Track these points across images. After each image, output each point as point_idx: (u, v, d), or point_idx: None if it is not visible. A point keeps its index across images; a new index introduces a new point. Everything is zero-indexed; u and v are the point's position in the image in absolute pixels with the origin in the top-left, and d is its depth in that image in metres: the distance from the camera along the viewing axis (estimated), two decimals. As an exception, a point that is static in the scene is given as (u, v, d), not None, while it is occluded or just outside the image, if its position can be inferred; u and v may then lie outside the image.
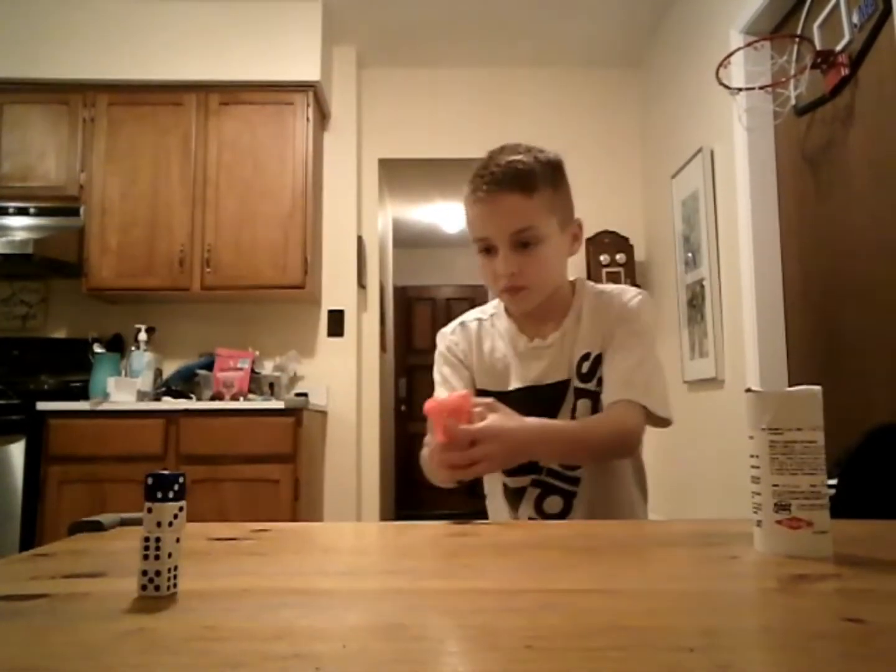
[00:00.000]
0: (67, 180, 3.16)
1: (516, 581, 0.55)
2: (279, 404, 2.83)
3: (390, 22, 3.44)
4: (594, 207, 3.68)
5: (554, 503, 1.12)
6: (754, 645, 0.41)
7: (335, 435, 3.43)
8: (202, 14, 3.27)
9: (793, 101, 2.22)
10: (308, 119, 3.27)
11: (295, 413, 2.82)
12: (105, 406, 2.79)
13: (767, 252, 2.44)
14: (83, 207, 3.15)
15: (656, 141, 3.57)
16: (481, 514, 1.16)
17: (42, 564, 0.62)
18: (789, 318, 2.41)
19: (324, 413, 3.40)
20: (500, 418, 0.93)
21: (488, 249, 1.07)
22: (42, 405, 2.74)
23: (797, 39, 2.19)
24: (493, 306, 1.23)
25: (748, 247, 2.47)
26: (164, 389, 3.02)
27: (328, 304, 3.50)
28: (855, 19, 1.97)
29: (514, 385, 1.15)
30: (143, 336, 3.17)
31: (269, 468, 2.75)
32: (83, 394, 3.02)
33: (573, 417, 1.11)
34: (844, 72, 2.01)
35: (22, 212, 3.09)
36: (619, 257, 3.55)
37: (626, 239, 3.62)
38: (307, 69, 3.28)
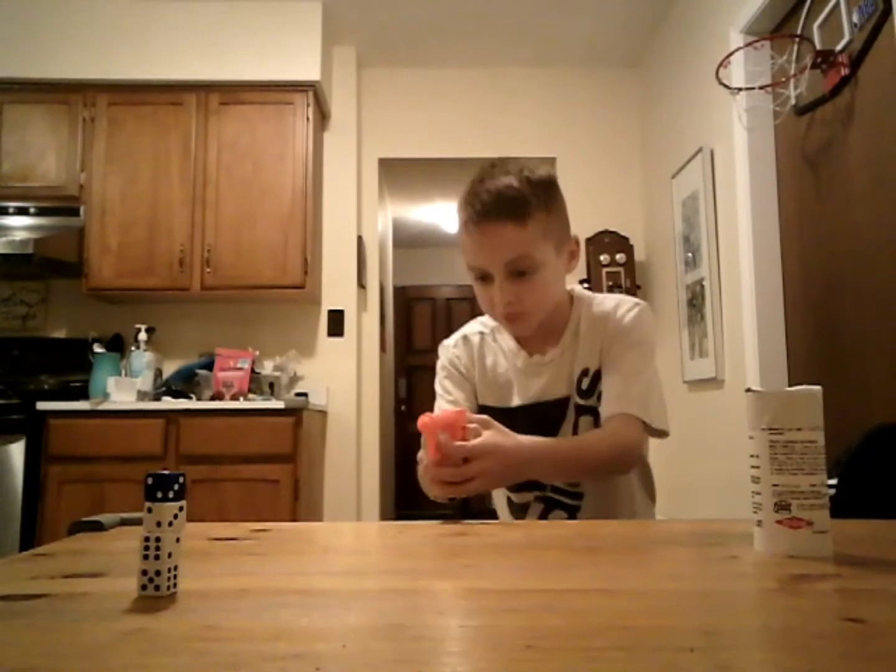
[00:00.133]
0: (67, 180, 3.16)
1: (516, 581, 0.55)
2: (279, 404, 2.83)
3: (390, 22, 3.44)
4: (594, 207, 3.69)
5: (558, 518, 1.12)
6: (754, 645, 0.41)
7: (335, 435, 3.43)
8: (202, 14, 3.27)
9: (793, 101, 2.22)
10: (308, 119, 3.27)
11: (295, 413, 2.82)
12: (105, 406, 2.79)
13: (767, 252, 2.44)
14: (83, 207, 3.15)
15: (656, 141, 3.57)
16: (481, 514, 1.16)
17: (42, 564, 0.62)
18: (789, 318, 2.40)
19: (324, 413, 3.40)
20: (495, 435, 0.93)
21: (484, 277, 1.06)
22: (42, 405, 2.74)
23: (797, 39, 2.19)
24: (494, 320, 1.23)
25: (748, 247, 2.47)
26: (164, 389, 3.02)
27: (328, 304, 3.50)
28: (855, 19, 1.97)
29: (515, 402, 1.14)
30: (143, 336, 3.17)
31: (269, 468, 2.75)
32: (83, 394, 3.02)
33: (575, 434, 1.10)
34: (844, 72, 2.01)
35: (22, 212, 3.09)
36: (619, 257, 3.55)
37: (626, 239, 3.62)
38: (307, 69, 3.28)
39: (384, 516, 3.84)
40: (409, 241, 6.30)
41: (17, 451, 2.70)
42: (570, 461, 1.00)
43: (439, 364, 1.22)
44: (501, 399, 1.15)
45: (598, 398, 1.10)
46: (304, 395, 3.17)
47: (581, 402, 1.11)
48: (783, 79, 2.24)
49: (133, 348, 3.18)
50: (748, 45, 2.34)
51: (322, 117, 3.54)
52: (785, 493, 0.62)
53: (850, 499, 1.00)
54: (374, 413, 3.58)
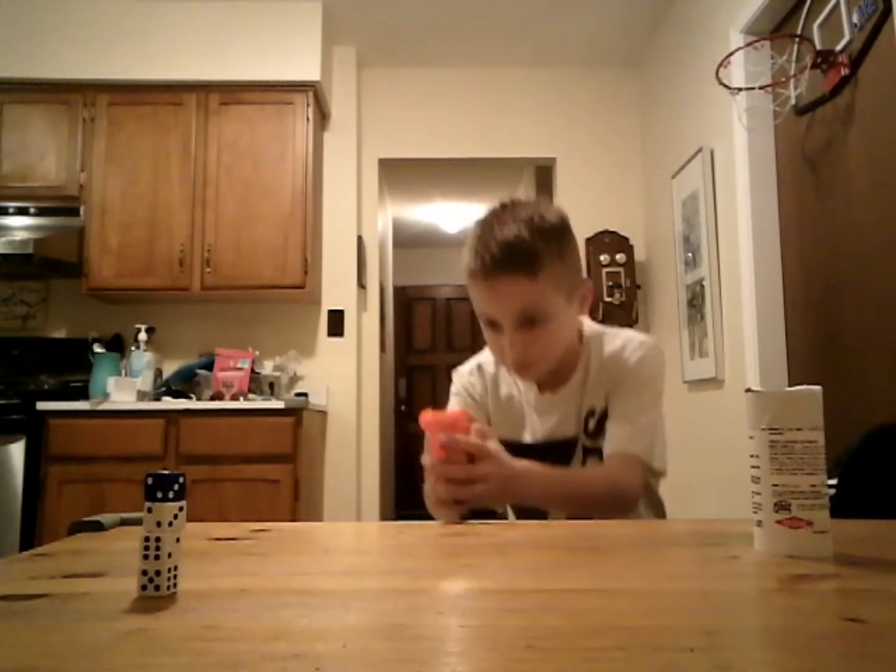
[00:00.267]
0: (67, 180, 3.16)
1: (516, 581, 0.55)
2: (279, 404, 2.83)
3: (390, 22, 3.44)
4: (594, 207, 3.69)
5: None
6: (754, 645, 0.41)
7: (335, 435, 3.43)
8: (202, 14, 3.27)
9: (793, 101, 2.22)
10: (308, 119, 3.27)
11: (295, 413, 2.82)
12: (105, 406, 2.79)
13: (767, 252, 2.44)
14: (83, 207, 3.15)
15: (656, 141, 3.57)
16: (481, 514, 1.16)
17: (42, 564, 0.62)
18: (789, 318, 2.40)
19: (324, 413, 3.40)
20: (496, 444, 0.93)
21: (493, 324, 1.04)
22: (42, 405, 2.74)
23: (797, 39, 2.19)
24: None
25: (748, 247, 2.47)
26: (164, 389, 3.02)
27: (328, 304, 3.50)
28: (855, 19, 1.97)
29: (526, 439, 1.14)
30: (143, 336, 3.17)
31: (269, 468, 2.75)
32: (83, 394, 3.02)
33: None
34: (844, 72, 2.01)
35: (22, 212, 3.09)
36: (619, 257, 3.55)
37: (626, 239, 3.62)
38: (307, 69, 3.28)
39: (384, 516, 3.85)
40: (409, 241, 6.31)
41: (17, 451, 2.70)
42: (560, 487, 0.98)
43: (453, 390, 1.22)
44: (513, 433, 1.15)
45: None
46: (304, 395, 3.17)
47: (588, 443, 1.10)
48: (783, 79, 2.24)
49: (133, 348, 3.18)
50: (748, 45, 2.34)
51: (322, 117, 3.54)
52: (785, 493, 0.62)
53: (850, 499, 1.00)
54: (374, 413, 3.58)
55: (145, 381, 3.04)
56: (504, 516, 1.22)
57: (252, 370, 3.10)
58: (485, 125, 3.77)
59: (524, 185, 4.96)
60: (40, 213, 3.10)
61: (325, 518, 3.30)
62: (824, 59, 2.08)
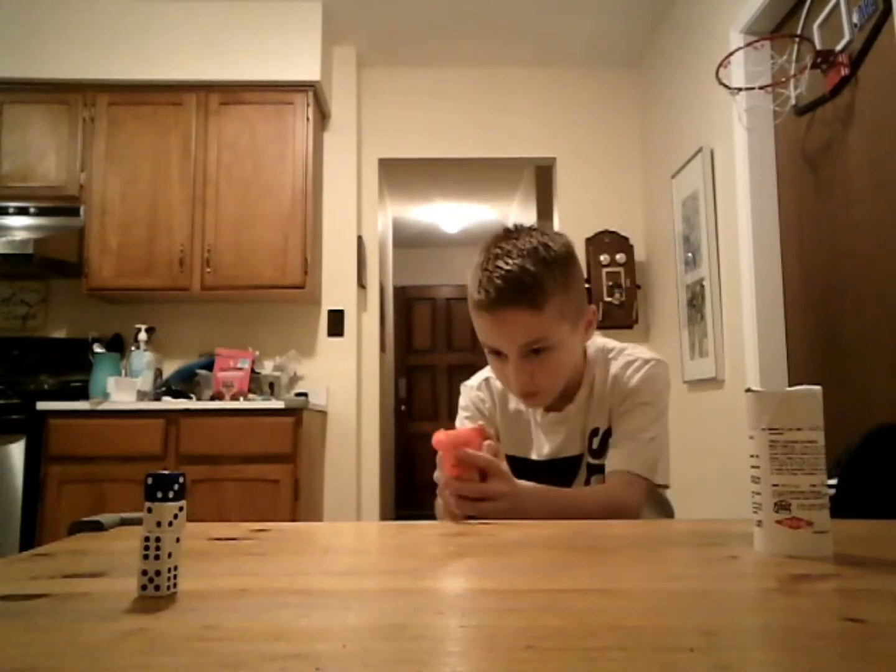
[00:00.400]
0: (67, 180, 3.16)
1: (516, 581, 0.55)
2: (279, 404, 2.83)
3: (390, 22, 3.44)
4: (594, 207, 3.69)
5: None
6: (754, 645, 0.41)
7: (335, 435, 3.43)
8: (202, 14, 3.27)
9: (793, 101, 2.22)
10: (308, 119, 3.27)
11: (295, 413, 2.82)
12: (105, 406, 2.79)
13: (767, 252, 2.44)
14: (83, 207, 3.15)
15: (656, 141, 3.57)
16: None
17: (42, 564, 0.62)
18: (789, 318, 2.40)
19: (324, 413, 3.40)
20: (505, 464, 0.94)
21: (497, 353, 1.04)
22: (42, 405, 2.74)
23: (797, 39, 2.19)
24: None
25: (748, 247, 2.47)
26: (164, 389, 3.02)
27: (328, 304, 3.50)
28: (855, 19, 1.97)
29: (533, 456, 1.15)
30: (143, 336, 3.17)
31: (269, 468, 2.75)
32: (83, 394, 3.02)
33: None
34: (844, 72, 2.01)
35: (22, 212, 3.09)
36: (619, 257, 3.55)
37: (626, 239, 3.62)
38: (307, 69, 3.28)
39: (384, 516, 3.85)
40: (409, 241, 6.31)
41: (17, 451, 2.70)
42: (562, 506, 0.97)
43: (462, 403, 1.22)
44: (521, 449, 1.15)
45: None
46: (304, 395, 3.17)
47: (592, 461, 1.11)
48: (783, 79, 2.24)
49: (133, 348, 3.18)
50: (748, 45, 2.34)
51: (322, 117, 3.54)
52: (785, 493, 0.62)
53: (850, 499, 1.00)
54: (374, 413, 3.58)
55: (145, 381, 3.04)
56: None
57: (252, 370, 3.10)
58: (485, 125, 3.77)
59: (524, 185, 4.96)
60: (40, 213, 3.10)
61: (325, 518, 3.30)
62: (824, 59, 2.08)
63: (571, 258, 1.05)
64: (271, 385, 3.14)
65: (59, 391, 3.07)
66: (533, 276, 0.97)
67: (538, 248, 1.00)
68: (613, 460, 1.06)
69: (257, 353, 3.22)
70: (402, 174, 4.55)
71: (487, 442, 0.93)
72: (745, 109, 2.35)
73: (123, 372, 3.12)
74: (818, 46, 2.11)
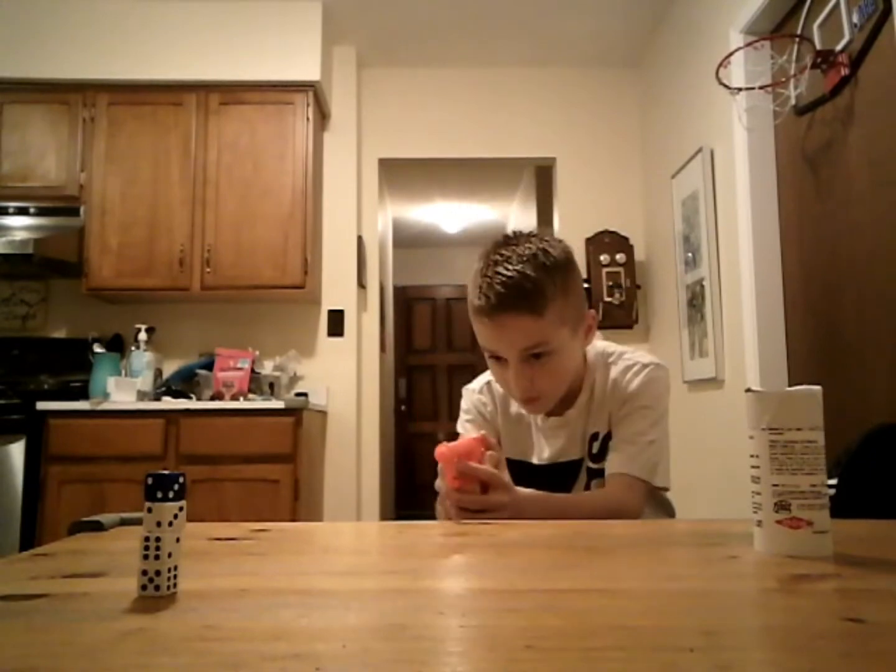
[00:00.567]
0: (67, 180, 3.16)
1: (516, 581, 0.55)
2: (279, 404, 2.83)
3: (390, 22, 3.44)
4: (594, 207, 3.69)
5: None
6: (754, 645, 0.41)
7: (335, 435, 3.43)
8: (202, 14, 3.27)
9: (793, 101, 2.22)
10: (308, 119, 3.27)
11: (295, 413, 2.82)
12: (105, 406, 2.79)
13: (767, 252, 2.44)
14: (83, 207, 3.15)
15: (656, 141, 3.57)
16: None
17: (42, 564, 0.62)
18: (789, 318, 2.40)
19: (324, 413, 3.40)
20: (506, 473, 0.94)
21: (497, 358, 1.04)
22: (42, 405, 2.74)
23: (797, 39, 2.19)
24: None
25: (748, 247, 2.47)
26: (164, 389, 3.02)
27: (328, 304, 3.50)
28: (855, 19, 1.97)
29: (534, 461, 1.15)
30: (143, 336, 3.17)
31: (269, 468, 2.75)
32: (83, 394, 3.02)
33: None
34: (844, 72, 2.01)
35: (22, 212, 3.09)
36: (619, 257, 3.55)
37: (626, 239, 3.62)
38: (307, 69, 3.28)
39: (384, 516, 3.85)
40: (409, 241, 6.30)
41: (17, 451, 2.70)
42: (561, 512, 0.96)
43: (463, 407, 1.22)
44: (522, 453, 1.16)
45: None
46: (304, 395, 3.17)
47: (592, 465, 1.11)
48: (783, 79, 2.24)
49: (133, 348, 3.18)
50: (748, 45, 2.34)
51: (322, 117, 3.54)
52: (785, 493, 0.62)
53: (850, 499, 1.00)
54: (374, 413, 3.58)
55: (145, 381, 3.04)
56: None
57: (252, 370, 3.10)
58: (485, 125, 3.77)
59: (524, 185, 4.96)
60: (40, 213, 3.10)
61: (325, 518, 3.30)
62: (824, 59, 2.08)
63: (571, 263, 1.05)
64: (271, 385, 3.14)
65: (59, 391, 3.07)
66: (533, 281, 0.98)
67: (538, 253, 1.00)
68: (613, 463, 1.06)
69: (257, 353, 3.22)
70: (402, 174, 4.54)
71: (489, 452, 0.93)
72: (745, 109, 2.35)
73: (123, 372, 3.12)
74: (818, 46, 2.11)
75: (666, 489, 1.11)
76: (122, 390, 2.92)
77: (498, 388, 1.19)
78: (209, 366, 3.10)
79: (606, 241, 3.60)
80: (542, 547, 0.71)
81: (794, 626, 0.43)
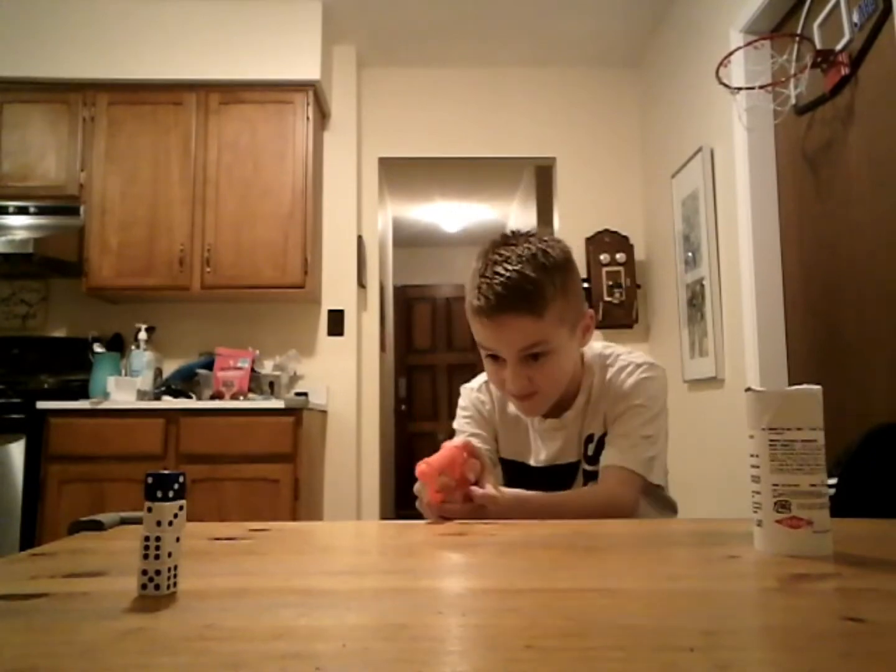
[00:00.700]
0: (67, 180, 3.16)
1: (516, 581, 0.55)
2: (279, 404, 2.83)
3: (390, 22, 3.43)
4: (594, 207, 3.69)
5: None
6: (754, 645, 0.41)
7: (335, 435, 3.43)
8: (202, 14, 3.27)
9: (793, 101, 2.22)
10: (308, 118, 3.27)
11: (295, 413, 2.82)
12: (105, 405, 2.79)
13: (767, 252, 2.44)
14: (83, 207, 3.15)
15: (656, 141, 3.57)
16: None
17: (42, 564, 0.62)
18: (789, 317, 2.40)
19: (324, 413, 3.40)
20: (492, 477, 0.94)
21: (494, 357, 1.04)
22: (42, 404, 2.74)
23: (797, 39, 2.19)
24: None
25: (748, 246, 2.47)
26: (164, 389, 3.02)
27: (328, 303, 3.50)
28: (855, 19, 1.97)
29: (531, 462, 1.15)
30: (143, 335, 3.17)
31: (269, 468, 2.75)
32: (83, 393, 3.02)
33: None
34: (844, 71, 2.01)
35: (22, 211, 3.09)
36: (619, 256, 3.55)
37: (626, 238, 3.62)
38: (307, 68, 3.28)
39: (384, 516, 3.85)
40: (409, 240, 6.30)
41: (17, 450, 2.70)
42: (553, 512, 0.95)
43: (461, 405, 1.22)
44: (519, 454, 1.16)
45: None
46: (304, 394, 3.17)
47: (588, 468, 1.11)
48: (783, 78, 2.24)
49: (133, 348, 3.18)
50: (748, 44, 2.34)
51: (322, 117, 3.54)
52: (785, 492, 0.62)
53: (850, 498, 1.00)
54: (374, 413, 3.58)
55: (145, 381, 3.04)
56: None
57: (252, 370, 3.10)
58: (485, 125, 3.77)
59: (524, 184, 4.96)
60: (40, 212, 3.10)
61: (325, 517, 3.30)
62: (824, 59, 2.08)
63: (570, 263, 1.05)
64: (271, 384, 3.14)
65: (59, 390, 3.07)
66: (533, 282, 0.97)
67: (537, 254, 1.00)
68: (607, 457, 1.06)
69: (257, 352, 3.22)
70: (402, 173, 4.54)
71: (471, 460, 0.93)
72: (745, 109, 2.35)
73: (123, 371, 3.12)
74: (818, 46, 2.11)
75: (660, 488, 1.10)
76: (122, 390, 2.92)
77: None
78: (209, 365, 3.10)
79: (606, 241, 3.60)
80: (541, 547, 0.71)
81: (794, 625, 0.43)
